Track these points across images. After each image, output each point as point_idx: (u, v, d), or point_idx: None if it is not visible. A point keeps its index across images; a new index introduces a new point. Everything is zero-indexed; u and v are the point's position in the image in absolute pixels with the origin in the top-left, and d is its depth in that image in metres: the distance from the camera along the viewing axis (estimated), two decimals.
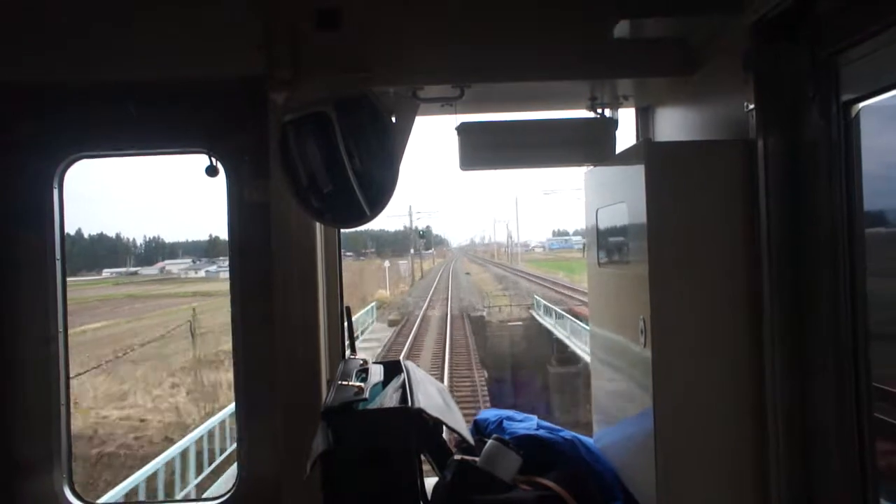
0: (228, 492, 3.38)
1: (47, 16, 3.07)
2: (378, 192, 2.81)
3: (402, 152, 3.00)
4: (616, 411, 3.12)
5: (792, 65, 2.34)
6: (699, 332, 2.51)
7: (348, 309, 3.41)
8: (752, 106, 2.43)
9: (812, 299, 2.32)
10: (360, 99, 2.79)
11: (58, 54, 3.08)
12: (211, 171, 3.33)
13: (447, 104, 3.20)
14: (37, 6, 3.08)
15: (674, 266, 2.50)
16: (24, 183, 3.32)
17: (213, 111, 3.32)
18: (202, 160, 3.35)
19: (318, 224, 3.20)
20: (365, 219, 2.84)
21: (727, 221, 2.50)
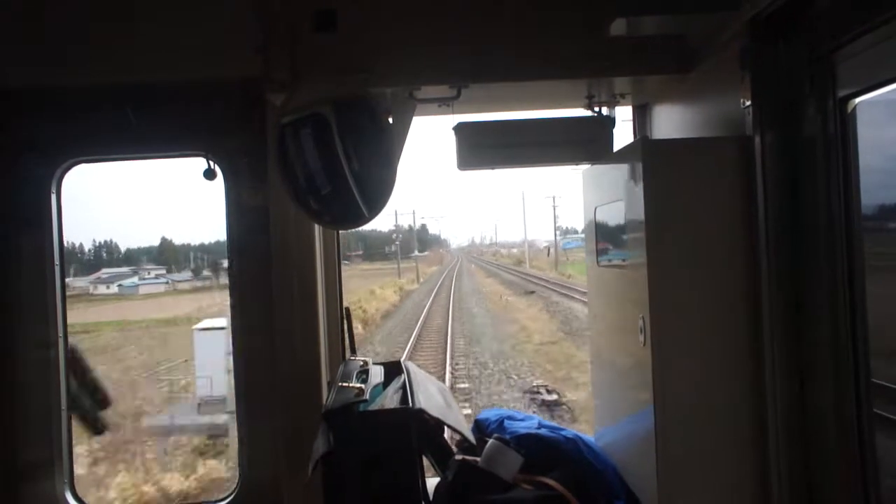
0: (230, 494, 3.38)
1: (47, 19, 3.07)
2: (376, 193, 2.81)
3: (400, 152, 3.00)
4: (617, 410, 3.12)
5: (788, 61, 2.35)
6: (698, 329, 2.51)
7: (348, 310, 3.41)
8: (749, 103, 2.43)
9: (810, 295, 2.32)
10: (357, 100, 2.79)
11: (57, 57, 3.09)
12: (209, 173, 3.33)
13: (444, 104, 3.20)
14: (36, 9, 3.08)
15: (672, 263, 2.50)
16: (22, 187, 3.32)
17: (211, 114, 3.32)
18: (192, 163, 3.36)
19: (316, 225, 3.20)
20: (363, 219, 2.84)
21: (725, 218, 2.50)
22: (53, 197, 3.37)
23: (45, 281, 3.32)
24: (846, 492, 2.21)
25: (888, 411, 2.13)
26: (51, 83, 3.19)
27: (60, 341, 3.36)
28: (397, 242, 73.90)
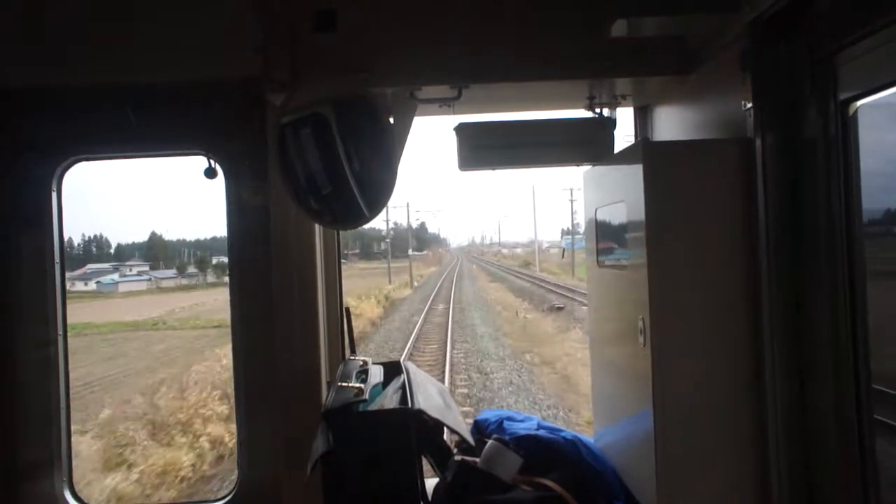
0: (229, 494, 3.39)
1: (47, 18, 3.08)
2: (376, 193, 2.81)
3: (401, 153, 3.00)
4: (616, 411, 3.12)
5: (790, 63, 2.35)
6: (698, 331, 2.51)
7: (348, 310, 3.41)
8: (749, 105, 2.43)
9: (811, 297, 2.32)
10: (358, 100, 2.79)
11: (57, 57, 3.09)
12: (210, 173, 3.33)
13: (445, 105, 3.20)
14: (36, 9, 3.08)
15: (673, 265, 2.50)
16: (23, 185, 3.32)
17: (211, 113, 3.32)
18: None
19: (316, 225, 3.20)
20: (364, 219, 2.85)
21: (726, 220, 2.51)
22: (54, 196, 3.37)
23: (45, 280, 3.33)
24: (846, 492, 2.21)
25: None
26: (51, 83, 3.19)
27: (60, 340, 3.36)
28: (388, 240, 64.01)
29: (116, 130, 3.33)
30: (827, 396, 2.26)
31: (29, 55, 3.10)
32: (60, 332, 3.36)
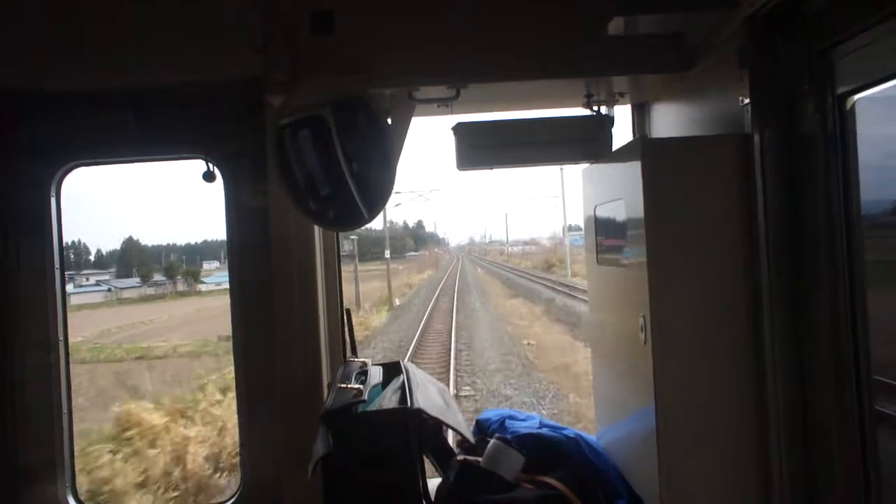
0: (231, 496, 3.38)
1: (46, 22, 3.08)
2: (375, 194, 2.81)
3: (399, 153, 3.00)
4: (618, 409, 3.12)
5: (787, 59, 2.35)
6: (699, 327, 2.50)
7: (348, 311, 3.40)
8: (747, 100, 2.43)
9: (810, 292, 2.32)
10: (356, 101, 2.79)
11: (56, 60, 3.09)
12: (208, 176, 3.33)
13: (443, 104, 3.20)
14: (35, 12, 3.08)
15: (672, 262, 2.50)
16: (21, 190, 3.32)
17: (210, 116, 3.32)
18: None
19: (316, 227, 3.20)
20: (363, 221, 2.85)
21: (725, 216, 2.50)
22: (53, 200, 3.37)
23: (44, 283, 3.33)
24: (847, 489, 2.21)
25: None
26: (50, 85, 3.20)
27: (61, 344, 3.36)
28: (353, 237, 43.51)
29: (115, 134, 3.33)
30: (827, 394, 2.26)
31: (28, 57, 3.10)
32: (61, 336, 3.36)
